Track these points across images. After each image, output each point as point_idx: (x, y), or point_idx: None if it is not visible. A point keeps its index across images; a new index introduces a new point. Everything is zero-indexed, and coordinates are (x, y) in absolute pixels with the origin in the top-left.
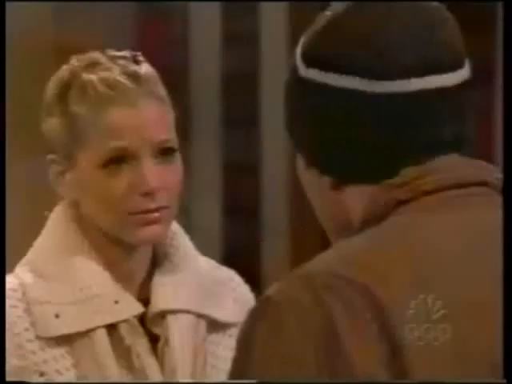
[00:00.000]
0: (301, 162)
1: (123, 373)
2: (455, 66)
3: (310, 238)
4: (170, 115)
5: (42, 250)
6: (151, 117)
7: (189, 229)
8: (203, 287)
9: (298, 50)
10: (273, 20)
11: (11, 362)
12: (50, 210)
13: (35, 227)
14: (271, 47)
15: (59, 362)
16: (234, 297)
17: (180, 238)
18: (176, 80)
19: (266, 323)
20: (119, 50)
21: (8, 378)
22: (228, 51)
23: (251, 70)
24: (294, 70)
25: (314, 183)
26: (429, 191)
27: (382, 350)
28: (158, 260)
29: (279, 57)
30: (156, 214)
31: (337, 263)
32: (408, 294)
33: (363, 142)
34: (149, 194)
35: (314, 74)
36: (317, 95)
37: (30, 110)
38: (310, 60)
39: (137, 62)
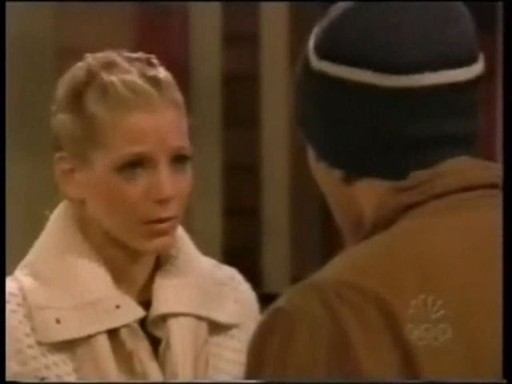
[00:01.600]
0: (311, 155)
1: (125, 377)
2: (469, 61)
3: (309, 238)
4: (185, 122)
5: (42, 251)
6: (170, 123)
7: (189, 229)
8: (204, 289)
9: (311, 42)
10: (273, 20)
11: (12, 367)
12: (51, 211)
13: (34, 227)
14: (271, 47)
15: (60, 367)
16: (235, 297)
17: (182, 241)
18: (176, 80)
19: (276, 335)
20: (119, 50)
21: None
22: (228, 51)
23: (251, 70)
24: (305, 62)
25: (325, 176)
26: (437, 195)
27: (394, 358)
28: (160, 262)
29: (279, 57)
30: (166, 225)
31: (347, 271)
32: (418, 295)
33: (373, 136)
34: (162, 202)
35: (325, 66)
36: (327, 88)
37: (29, 110)
38: (323, 52)
39: (152, 65)
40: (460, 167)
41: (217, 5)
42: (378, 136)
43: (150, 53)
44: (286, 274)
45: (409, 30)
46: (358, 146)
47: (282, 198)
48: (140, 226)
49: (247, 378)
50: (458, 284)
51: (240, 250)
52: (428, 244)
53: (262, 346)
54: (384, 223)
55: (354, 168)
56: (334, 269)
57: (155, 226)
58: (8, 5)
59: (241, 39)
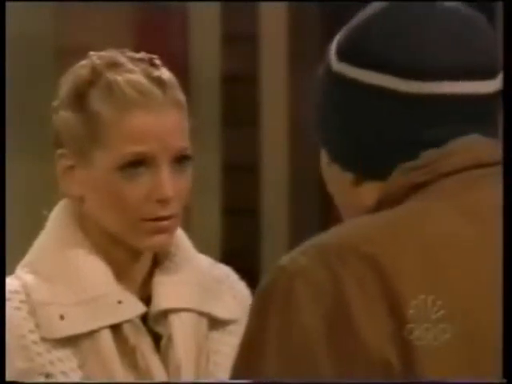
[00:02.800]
0: (324, 158)
1: (128, 372)
2: (490, 74)
3: (309, 238)
4: (187, 123)
5: (43, 249)
6: (173, 123)
7: (188, 229)
8: (203, 285)
9: (333, 45)
10: (272, 20)
11: (16, 364)
12: (49, 210)
13: (32, 227)
14: (271, 47)
15: (65, 363)
16: (232, 294)
17: (180, 238)
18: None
19: (279, 292)
20: (124, 50)
21: (11, 380)
22: (227, 51)
23: (250, 70)
24: (326, 65)
25: (336, 178)
26: (446, 173)
27: (389, 325)
28: (158, 259)
29: (279, 57)
30: (166, 223)
31: (350, 237)
32: (418, 273)
33: (388, 141)
34: (163, 202)
35: (345, 69)
36: (344, 90)
37: (29, 110)
38: (343, 54)
39: (155, 66)
40: (469, 145)
41: (216, 5)
42: (392, 141)
43: (150, 53)
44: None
45: (432, 37)
46: (370, 149)
47: (282, 197)
48: (140, 224)
49: (250, 329)
50: (458, 273)
51: (239, 250)
52: (433, 224)
53: (263, 304)
54: (391, 200)
55: (367, 172)
56: (338, 234)
57: (155, 223)
58: (8, 5)
59: (240, 39)
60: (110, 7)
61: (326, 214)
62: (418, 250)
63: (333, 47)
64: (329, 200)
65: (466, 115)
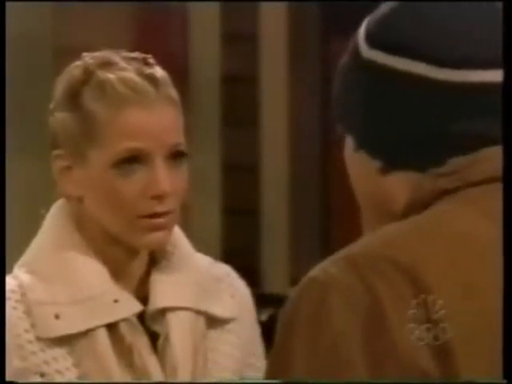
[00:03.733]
0: (349, 144)
1: (124, 372)
2: None
3: (308, 238)
4: (181, 119)
5: (40, 249)
6: (167, 120)
7: (188, 229)
8: (201, 284)
9: (362, 31)
10: (272, 20)
11: (13, 363)
12: (47, 209)
13: (30, 226)
14: (270, 47)
15: (60, 362)
16: (231, 292)
17: (178, 237)
18: (175, 80)
19: (311, 303)
20: (117, 50)
21: (10, 380)
22: (227, 51)
23: (250, 70)
24: (355, 51)
25: (362, 166)
26: (475, 182)
27: (423, 333)
28: (155, 258)
29: (278, 57)
30: (163, 220)
31: (379, 246)
32: (449, 279)
33: (416, 129)
34: (159, 197)
35: (376, 56)
36: (377, 77)
37: (29, 110)
38: (375, 41)
39: (148, 65)
40: (497, 156)
41: (216, 5)
42: (421, 129)
43: (149, 53)
44: (285, 274)
45: (467, 25)
46: (399, 137)
47: (281, 198)
48: (137, 221)
49: (282, 343)
50: (480, 274)
51: (239, 250)
52: (461, 228)
53: (294, 315)
54: (418, 206)
55: (394, 159)
56: (367, 244)
57: (152, 220)
58: (8, 5)
59: (240, 39)
60: (110, 7)
61: (325, 214)
62: (448, 255)
63: (361, 34)
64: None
65: (492, 105)
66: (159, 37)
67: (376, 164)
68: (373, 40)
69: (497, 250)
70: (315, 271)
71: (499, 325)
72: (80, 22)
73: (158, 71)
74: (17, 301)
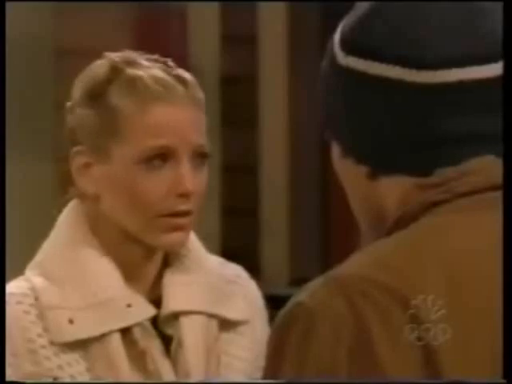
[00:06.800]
0: (336, 151)
1: (137, 376)
2: (497, 57)
3: (308, 239)
4: (205, 121)
5: (52, 251)
6: (194, 120)
7: None
8: (214, 287)
9: (337, 37)
10: (271, 21)
11: (25, 368)
12: (59, 210)
13: (29, 227)
14: (270, 48)
15: (74, 367)
16: (243, 294)
17: (191, 239)
18: None
19: (298, 329)
20: (119, 50)
21: None
22: (227, 52)
23: (250, 70)
24: (331, 57)
25: (350, 172)
26: (463, 193)
27: (416, 358)
28: (168, 260)
29: (278, 58)
30: (184, 220)
31: (370, 268)
32: (439, 296)
33: (399, 132)
34: (184, 196)
35: (352, 62)
36: (355, 83)
37: (29, 111)
38: (350, 47)
39: (171, 67)
40: (486, 166)
41: (215, 5)
42: (405, 132)
43: (149, 53)
44: (285, 275)
45: (438, 24)
46: (384, 141)
47: (281, 198)
48: (158, 220)
49: (267, 373)
50: (480, 283)
51: (238, 251)
52: (451, 242)
53: (281, 341)
54: (407, 219)
55: (380, 164)
56: (358, 264)
57: (174, 219)
58: (9, 6)
59: (239, 40)
60: (110, 8)
61: (325, 214)
62: (438, 273)
63: (336, 40)
64: (328, 201)
65: (475, 102)
66: (159, 38)
67: (363, 169)
68: (348, 46)
69: (490, 262)
70: (302, 295)
71: (498, 340)
72: (80, 23)
73: (184, 72)
74: (29, 304)
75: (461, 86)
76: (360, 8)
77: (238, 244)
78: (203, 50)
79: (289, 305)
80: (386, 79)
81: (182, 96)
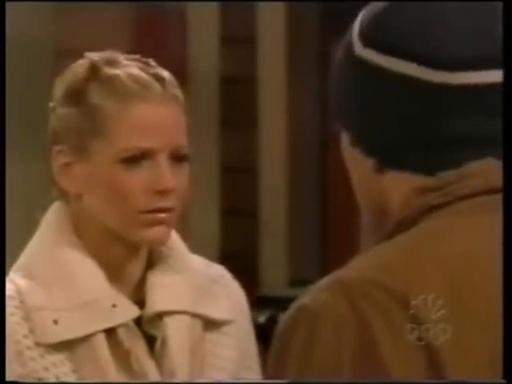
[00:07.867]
0: (345, 139)
1: (122, 376)
2: None
3: (307, 240)
4: (185, 121)
5: (36, 253)
6: (173, 119)
7: (187, 230)
8: (197, 287)
9: (356, 27)
10: (270, 21)
11: (13, 369)
12: (41, 213)
13: (28, 228)
14: (269, 48)
15: (59, 368)
16: (226, 293)
17: (174, 239)
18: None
19: (302, 332)
20: (118, 50)
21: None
22: (226, 52)
23: (249, 71)
24: (348, 47)
25: (357, 162)
26: (463, 196)
27: (419, 359)
28: (152, 261)
29: (277, 58)
30: (164, 215)
31: (372, 270)
32: (440, 298)
33: (408, 128)
34: (163, 193)
35: (370, 55)
36: (369, 75)
37: (29, 111)
38: (368, 40)
39: (151, 66)
40: (486, 169)
41: (214, 6)
42: (414, 129)
43: (149, 54)
44: (284, 276)
45: (457, 26)
46: (392, 136)
47: (280, 199)
48: (138, 216)
49: (270, 376)
50: (479, 286)
51: (238, 252)
52: (451, 245)
53: (285, 344)
54: (408, 223)
55: (387, 158)
56: (360, 267)
57: (154, 215)
58: (9, 7)
59: (238, 40)
60: (109, 8)
61: (324, 215)
62: (439, 274)
63: (355, 30)
64: (328, 201)
65: (487, 106)
66: (158, 39)
67: (370, 161)
68: (366, 38)
69: (489, 265)
70: (305, 298)
71: (498, 340)
72: (80, 23)
73: (163, 71)
74: (15, 307)
75: (475, 88)
76: (381, 2)
77: (238, 245)
78: (202, 50)
79: (292, 308)
80: (402, 75)
81: (159, 94)
